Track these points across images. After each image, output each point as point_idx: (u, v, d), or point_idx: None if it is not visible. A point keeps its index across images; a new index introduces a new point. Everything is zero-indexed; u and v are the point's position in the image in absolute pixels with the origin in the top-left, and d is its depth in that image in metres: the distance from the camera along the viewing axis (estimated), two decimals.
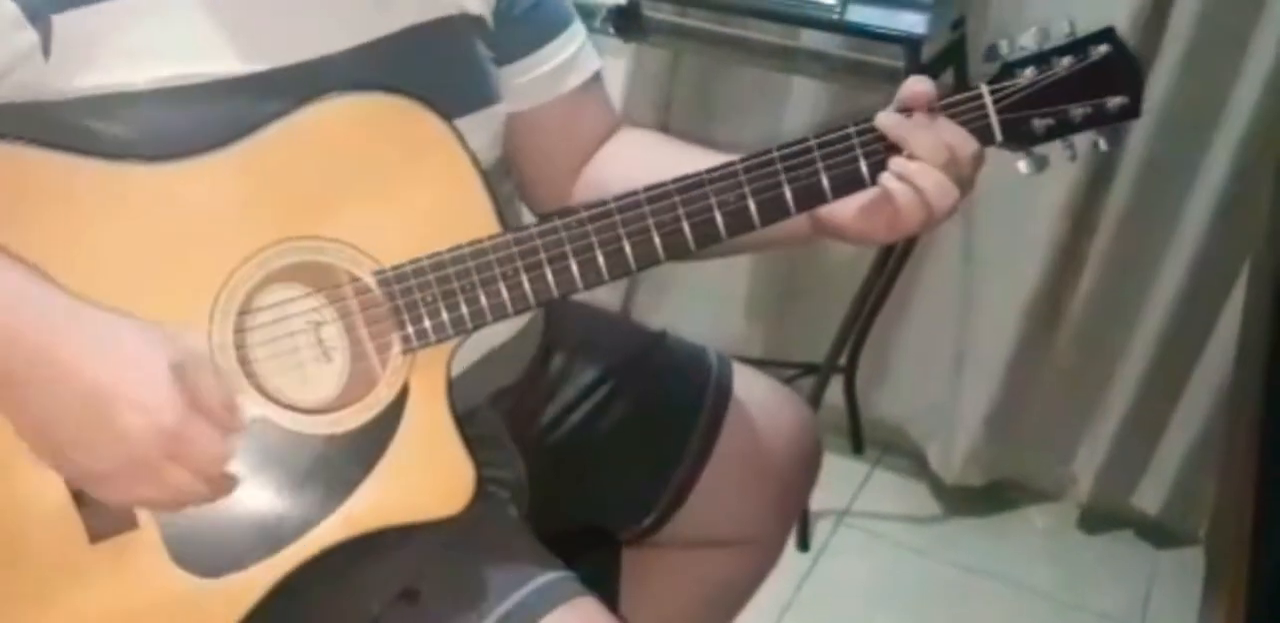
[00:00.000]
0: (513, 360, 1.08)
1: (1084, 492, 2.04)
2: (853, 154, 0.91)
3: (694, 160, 0.92)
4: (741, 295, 2.14)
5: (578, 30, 1.09)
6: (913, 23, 1.61)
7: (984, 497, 2.09)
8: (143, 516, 0.82)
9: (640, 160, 1.07)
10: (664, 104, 2.01)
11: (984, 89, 0.92)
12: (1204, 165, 1.71)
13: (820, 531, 1.99)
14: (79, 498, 0.81)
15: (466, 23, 0.98)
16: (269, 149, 0.84)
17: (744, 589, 1.27)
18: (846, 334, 1.92)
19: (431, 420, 0.89)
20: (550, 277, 0.89)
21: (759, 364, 1.24)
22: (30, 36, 0.78)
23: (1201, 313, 1.83)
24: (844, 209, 0.93)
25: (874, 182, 0.91)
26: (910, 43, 1.59)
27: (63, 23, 0.78)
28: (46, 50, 0.78)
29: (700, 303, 2.14)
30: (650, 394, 1.15)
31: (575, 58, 1.08)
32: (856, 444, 2.18)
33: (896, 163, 0.90)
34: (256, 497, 0.83)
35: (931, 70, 1.70)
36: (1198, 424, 1.88)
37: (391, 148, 0.87)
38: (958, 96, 0.92)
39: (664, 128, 2.03)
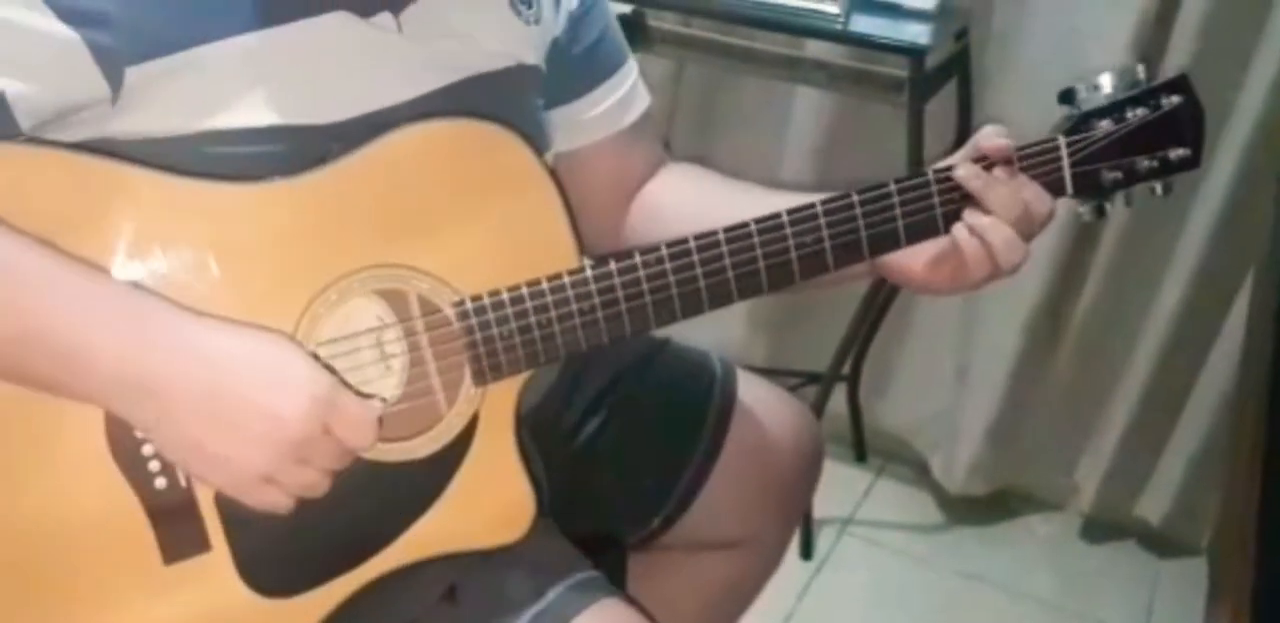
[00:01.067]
0: (541, 383, 1.10)
1: (1086, 502, 2.04)
2: (930, 202, 0.92)
3: (744, 196, 0.93)
4: (745, 305, 2.13)
5: (631, 68, 1.10)
6: (916, 33, 1.62)
7: (986, 506, 2.09)
8: (215, 538, 0.83)
9: (692, 197, 1.09)
10: (668, 113, 2.01)
11: (1061, 141, 0.93)
12: (1207, 176, 1.71)
13: (823, 540, 1.99)
14: (155, 519, 0.81)
15: (524, 73, 0.99)
16: (356, 173, 0.84)
17: (747, 592, 1.28)
18: (850, 344, 1.92)
19: (498, 451, 0.90)
20: (625, 315, 0.89)
21: (763, 373, 1.24)
22: (101, 86, 0.78)
23: (1204, 324, 1.83)
24: (912, 258, 0.95)
25: (947, 230, 0.93)
26: (914, 53, 1.60)
27: (135, 73, 0.79)
28: (115, 98, 0.79)
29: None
30: (656, 399, 1.16)
31: (628, 96, 1.10)
32: (859, 454, 2.18)
33: (970, 215, 0.92)
34: (326, 521, 0.83)
35: (935, 80, 1.70)
36: (1200, 435, 1.88)
37: (478, 175, 0.87)
38: (1035, 148, 0.93)
39: (667, 137, 2.04)
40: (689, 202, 1.09)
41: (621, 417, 1.15)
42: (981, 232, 0.91)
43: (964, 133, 1.83)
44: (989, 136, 0.93)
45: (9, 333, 0.73)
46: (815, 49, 1.80)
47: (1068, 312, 1.91)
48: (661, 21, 1.78)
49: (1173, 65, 1.66)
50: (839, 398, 2.06)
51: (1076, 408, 2.00)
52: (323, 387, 0.76)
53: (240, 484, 0.78)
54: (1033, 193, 0.92)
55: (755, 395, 1.18)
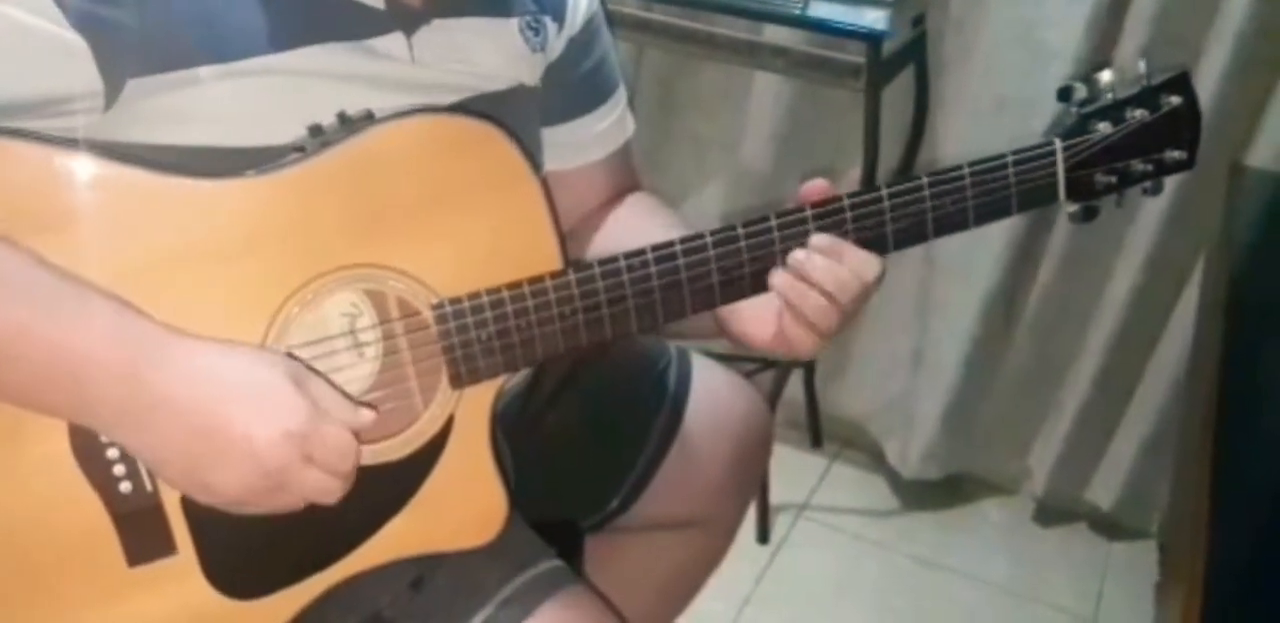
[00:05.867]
0: (515, 383, 1.11)
1: (1039, 486, 2.06)
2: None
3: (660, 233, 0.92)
4: None
5: (622, 95, 1.11)
6: (874, 19, 1.62)
7: (941, 491, 2.11)
8: (182, 541, 0.82)
9: (619, 230, 1.10)
10: (628, 98, 2.00)
11: (1058, 145, 0.90)
12: None
13: (779, 524, 2.00)
14: (119, 523, 0.80)
15: (525, 94, 0.99)
16: (335, 169, 0.81)
17: (702, 570, 1.29)
18: None
19: (472, 454, 0.89)
20: (607, 319, 0.88)
21: (720, 359, 1.25)
22: (96, 86, 0.77)
23: (1155, 311, 1.85)
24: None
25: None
26: (872, 39, 1.60)
27: (134, 86, 0.78)
28: (109, 105, 0.78)
29: None
30: (613, 383, 1.17)
31: (617, 124, 1.10)
32: (815, 439, 2.19)
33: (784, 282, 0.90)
34: (295, 523, 0.82)
35: (892, 66, 1.71)
36: (1150, 420, 1.91)
37: (461, 173, 0.84)
38: (1030, 151, 0.90)
39: None
40: (615, 234, 1.10)
41: (580, 401, 1.15)
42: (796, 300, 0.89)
43: (920, 118, 1.85)
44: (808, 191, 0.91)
45: None
46: (774, 34, 1.79)
47: (1022, 298, 1.93)
48: (621, 6, 1.77)
49: (1124, 56, 1.68)
50: (795, 384, 2.07)
51: (1029, 394, 2.02)
52: (301, 417, 0.75)
53: (225, 506, 0.78)
54: (856, 260, 0.89)
55: (709, 379, 1.18)
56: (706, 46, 1.80)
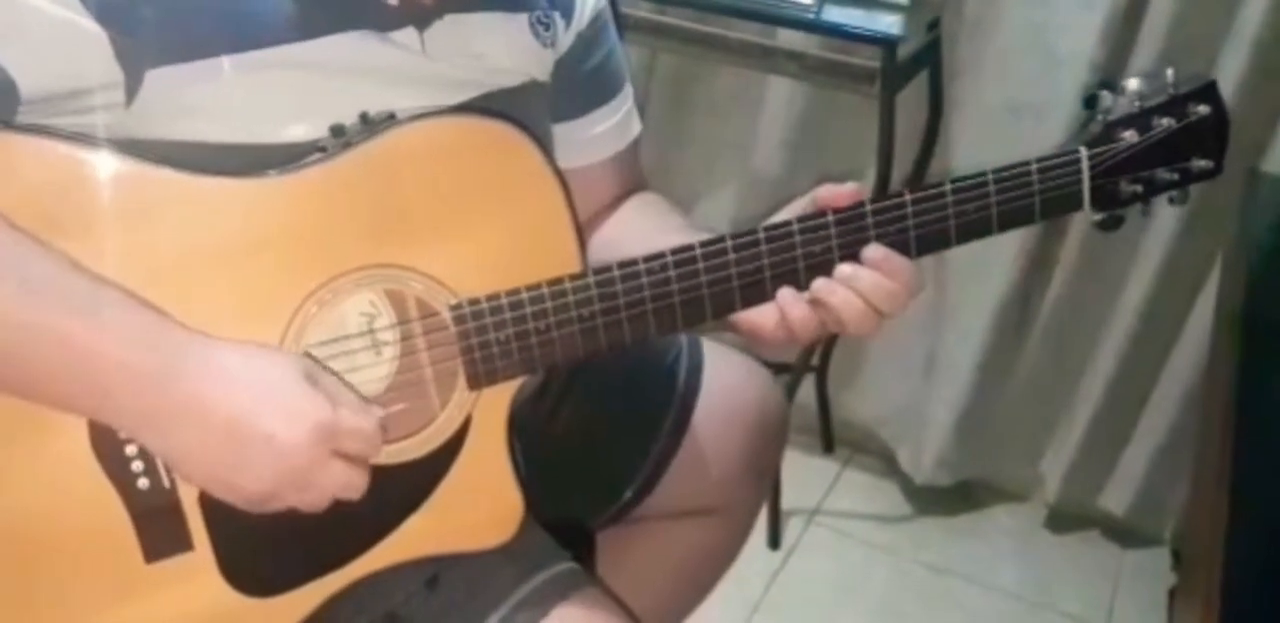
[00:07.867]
0: (531, 384, 1.09)
1: (1051, 493, 2.06)
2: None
3: (660, 237, 0.92)
4: None
5: (628, 93, 1.11)
6: (889, 23, 1.62)
7: (953, 497, 2.10)
8: (198, 537, 0.82)
9: (625, 232, 1.09)
10: (640, 103, 1.99)
11: (1083, 153, 0.90)
12: None
13: (790, 530, 1.99)
14: (137, 519, 0.80)
15: (537, 89, 0.99)
16: (356, 169, 0.81)
17: (721, 559, 1.27)
18: None
19: (488, 454, 0.89)
20: (625, 322, 0.87)
21: None
22: (116, 78, 0.77)
23: (1169, 317, 1.84)
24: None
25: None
26: (886, 43, 1.60)
27: (154, 77, 0.78)
28: (130, 99, 0.78)
29: None
30: (624, 371, 1.16)
31: (623, 122, 1.10)
32: (827, 444, 2.19)
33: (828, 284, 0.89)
34: (311, 522, 0.82)
35: (906, 71, 1.70)
36: (1164, 427, 1.90)
37: (483, 174, 0.84)
38: (1055, 159, 0.90)
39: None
40: (618, 235, 1.09)
41: (589, 394, 1.15)
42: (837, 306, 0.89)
43: (935, 124, 1.84)
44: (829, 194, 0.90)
45: (16, 349, 0.73)
46: (788, 39, 1.79)
47: (1036, 303, 1.92)
48: (635, 9, 1.77)
49: (1141, 61, 1.67)
50: (807, 389, 2.06)
51: (1042, 400, 2.01)
52: (324, 413, 0.76)
53: (249, 505, 0.79)
54: (907, 275, 0.89)
55: (721, 365, 1.18)
56: (720, 50, 1.80)
